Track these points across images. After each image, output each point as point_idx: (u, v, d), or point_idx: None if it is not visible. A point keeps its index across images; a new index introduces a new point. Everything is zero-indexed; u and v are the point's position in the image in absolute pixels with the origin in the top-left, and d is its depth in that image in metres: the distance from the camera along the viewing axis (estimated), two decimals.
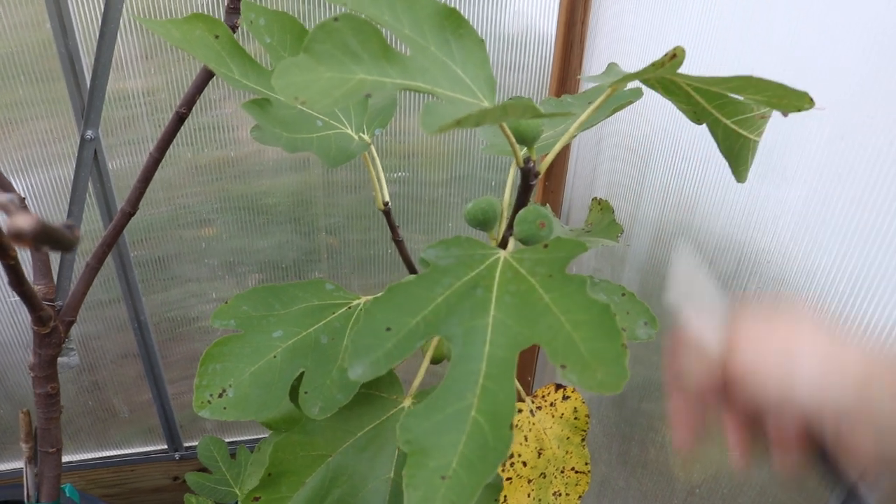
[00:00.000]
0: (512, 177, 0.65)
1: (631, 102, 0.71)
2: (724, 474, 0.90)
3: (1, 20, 0.99)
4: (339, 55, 0.45)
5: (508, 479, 0.81)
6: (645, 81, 0.58)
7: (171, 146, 0.78)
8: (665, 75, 0.52)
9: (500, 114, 0.43)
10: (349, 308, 0.70)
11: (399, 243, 0.80)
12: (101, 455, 1.50)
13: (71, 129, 1.09)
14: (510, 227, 0.60)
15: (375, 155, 0.76)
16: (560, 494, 0.83)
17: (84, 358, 1.34)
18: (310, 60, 0.44)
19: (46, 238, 0.26)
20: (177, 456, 1.52)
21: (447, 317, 0.49)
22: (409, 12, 0.50)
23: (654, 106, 0.98)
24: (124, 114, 1.11)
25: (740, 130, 0.60)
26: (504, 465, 0.80)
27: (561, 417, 0.81)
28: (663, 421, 1.03)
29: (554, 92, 1.20)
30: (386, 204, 0.77)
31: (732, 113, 0.58)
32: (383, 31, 0.47)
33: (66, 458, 1.45)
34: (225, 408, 0.64)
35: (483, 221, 0.64)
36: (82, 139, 1.05)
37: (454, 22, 0.51)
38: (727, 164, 0.64)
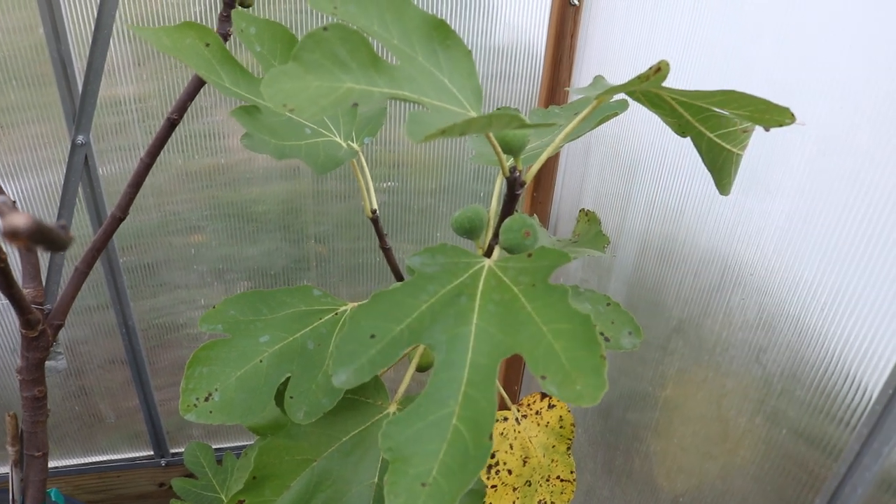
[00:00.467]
0: (499, 186, 0.66)
1: (616, 114, 0.71)
2: (707, 484, 0.91)
3: None
4: (327, 64, 0.45)
5: (493, 486, 0.81)
6: (630, 94, 0.59)
7: (161, 153, 0.78)
8: (650, 88, 0.53)
9: (486, 123, 0.43)
10: (336, 314, 0.70)
11: (387, 251, 0.81)
12: (87, 461, 1.49)
13: (62, 133, 1.10)
14: (496, 235, 0.61)
15: (364, 163, 0.76)
16: (545, 503, 0.83)
17: (71, 363, 1.33)
18: (299, 69, 0.45)
19: (41, 237, 0.26)
20: (163, 462, 1.52)
21: (431, 324, 0.50)
22: (398, 23, 0.51)
23: (642, 119, 1.00)
24: (115, 120, 1.11)
25: (724, 144, 0.60)
26: (489, 472, 0.80)
27: (546, 426, 0.82)
28: (648, 431, 1.04)
29: (543, 103, 1.21)
30: (374, 212, 0.78)
31: (716, 126, 0.59)
32: (372, 41, 0.48)
33: (51, 464, 1.44)
34: (211, 411, 0.64)
35: (469, 230, 0.64)
36: (73, 144, 1.05)
37: (442, 33, 0.52)
38: (711, 177, 0.64)
